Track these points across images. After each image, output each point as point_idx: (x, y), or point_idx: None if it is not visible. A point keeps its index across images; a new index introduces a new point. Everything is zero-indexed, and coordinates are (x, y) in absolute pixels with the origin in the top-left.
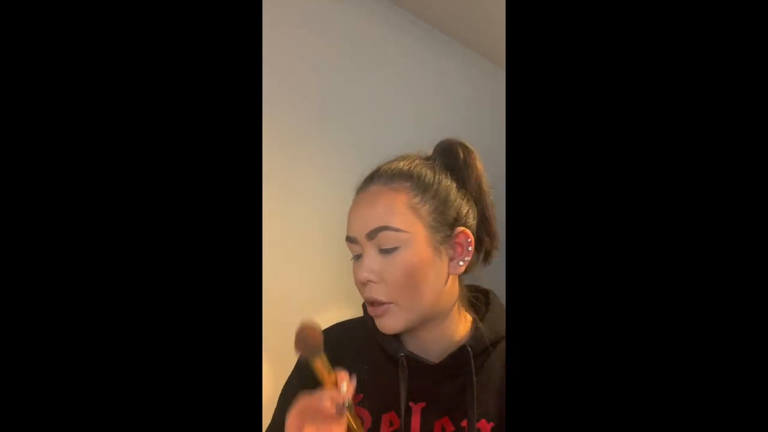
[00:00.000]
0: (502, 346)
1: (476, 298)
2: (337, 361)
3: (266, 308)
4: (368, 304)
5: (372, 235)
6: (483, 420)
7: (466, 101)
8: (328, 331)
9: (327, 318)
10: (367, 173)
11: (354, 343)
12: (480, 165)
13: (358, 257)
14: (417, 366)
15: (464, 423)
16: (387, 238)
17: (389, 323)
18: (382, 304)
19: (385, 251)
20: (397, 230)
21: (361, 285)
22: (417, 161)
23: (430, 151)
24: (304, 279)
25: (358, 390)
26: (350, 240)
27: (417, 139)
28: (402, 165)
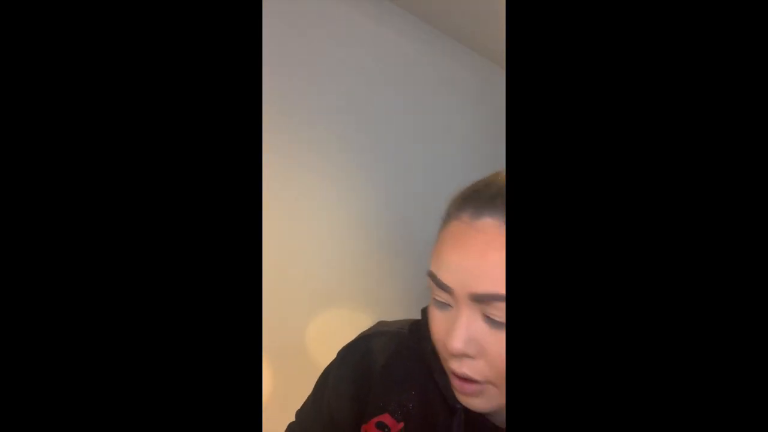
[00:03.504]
0: None
1: None
2: (386, 378)
3: (266, 308)
4: (455, 377)
5: (480, 299)
6: None
7: (466, 101)
8: (373, 337)
9: (327, 318)
10: (365, 171)
11: (405, 362)
12: None
13: (443, 306)
14: (476, 423)
15: None
16: (502, 310)
17: (478, 405)
18: (475, 382)
19: (495, 323)
20: None
21: (446, 350)
22: None
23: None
24: (304, 279)
25: (399, 417)
26: (440, 285)
27: (415, 139)
28: None
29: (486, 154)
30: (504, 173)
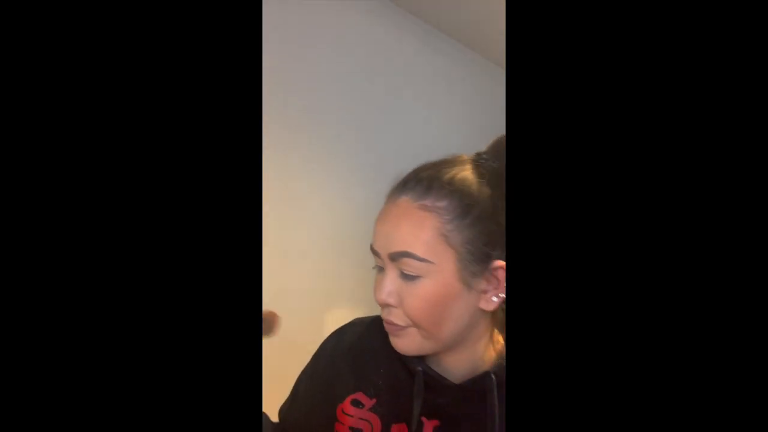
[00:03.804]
0: None
1: None
2: (355, 359)
3: (266, 308)
4: (385, 323)
5: (394, 257)
6: None
7: (466, 101)
8: (346, 328)
9: (327, 318)
10: (365, 173)
11: (371, 343)
12: None
13: (379, 270)
14: (434, 383)
15: None
16: (409, 265)
17: (403, 344)
18: (398, 326)
19: (407, 276)
20: (420, 260)
21: (380, 304)
22: (462, 172)
23: (484, 147)
24: (304, 279)
25: (371, 394)
26: (373, 252)
27: (416, 139)
28: (443, 175)
29: None
30: (423, 165)
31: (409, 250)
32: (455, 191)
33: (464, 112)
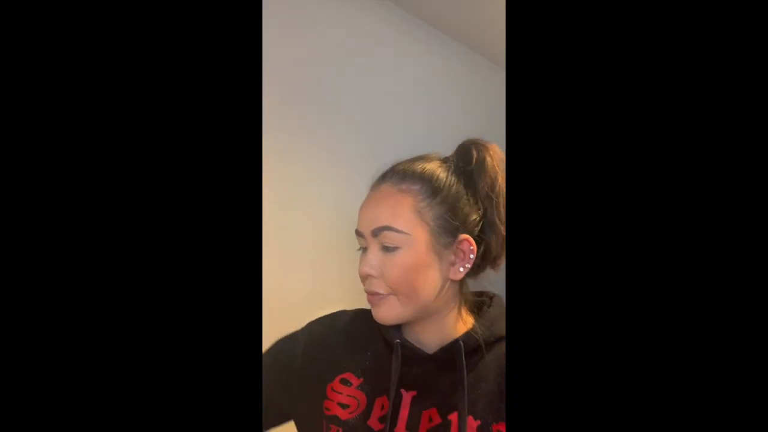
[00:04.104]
0: (500, 348)
1: (481, 302)
2: (344, 345)
3: (266, 308)
4: (368, 294)
5: (376, 232)
6: (470, 417)
7: (466, 101)
8: (336, 315)
9: (323, 314)
10: (365, 173)
11: (360, 331)
12: (495, 165)
13: (363, 250)
14: (411, 354)
15: (451, 417)
16: (389, 238)
17: (384, 312)
18: (379, 295)
19: (387, 249)
20: (399, 231)
21: (363, 277)
22: (431, 164)
23: (450, 152)
24: (304, 279)
25: (359, 374)
26: (358, 234)
27: (415, 139)
28: (416, 166)
29: None
30: (398, 161)
31: (390, 224)
32: (426, 177)
33: (464, 111)
